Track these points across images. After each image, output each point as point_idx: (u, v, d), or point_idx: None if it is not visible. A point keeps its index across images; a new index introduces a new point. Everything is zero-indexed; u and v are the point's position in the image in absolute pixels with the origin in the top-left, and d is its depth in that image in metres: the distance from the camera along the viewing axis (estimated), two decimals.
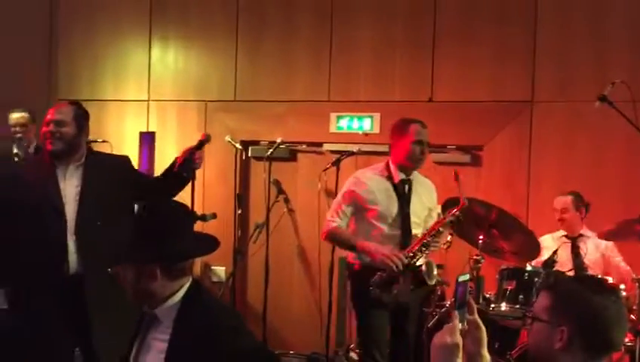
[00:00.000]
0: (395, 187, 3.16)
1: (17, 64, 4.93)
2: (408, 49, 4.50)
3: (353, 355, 4.25)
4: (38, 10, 5.10)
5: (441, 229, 3.12)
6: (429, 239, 3.08)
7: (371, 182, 3.17)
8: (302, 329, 4.63)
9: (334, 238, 3.25)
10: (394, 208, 3.13)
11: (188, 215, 2.01)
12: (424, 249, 3.08)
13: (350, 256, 3.25)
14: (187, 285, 1.89)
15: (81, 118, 3.00)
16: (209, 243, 1.96)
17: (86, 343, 2.95)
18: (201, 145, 3.06)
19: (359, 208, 3.15)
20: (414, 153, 3.15)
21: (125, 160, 3.18)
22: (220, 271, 4.74)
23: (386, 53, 4.55)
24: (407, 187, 3.19)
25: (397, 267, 2.97)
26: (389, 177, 3.17)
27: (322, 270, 4.48)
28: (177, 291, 1.87)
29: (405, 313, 3.21)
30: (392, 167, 3.20)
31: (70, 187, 2.90)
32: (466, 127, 4.34)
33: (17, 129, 4.06)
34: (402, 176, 3.18)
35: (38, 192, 2.87)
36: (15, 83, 4.84)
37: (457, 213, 3.10)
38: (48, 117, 2.93)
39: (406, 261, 3.00)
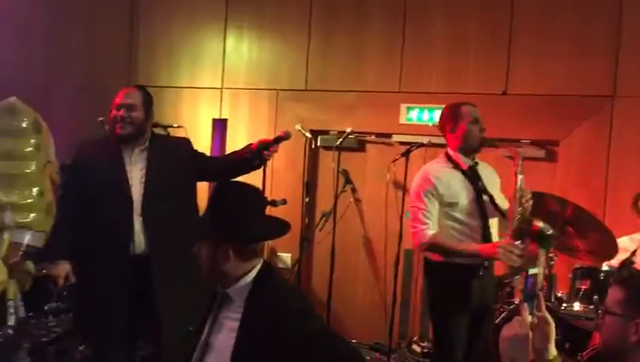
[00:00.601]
0: (465, 174, 3.03)
1: (99, 49, 5.16)
2: (483, 43, 4.40)
3: (416, 347, 4.23)
4: None
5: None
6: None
7: (444, 175, 3.02)
8: (365, 319, 4.65)
9: (436, 249, 2.98)
10: (471, 197, 2.99)
11: (261, 198, 2.06)
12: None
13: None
14: (258, 266, 1.95)
15: (148, 102, 3.05)
16: (280, 227, 2.00)
17: (151, 321, 2.99)
18: (279, 140, 3.06)
19: (442, 204, 2.98)
20: (474, 133, 3.03)
21: (186, 142, 3.22)
22: (286, 257, 4.81)
23: (459, 48, 4.48)
24: (476, 172, 3.06)
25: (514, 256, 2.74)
26: (456, 166, 3.04)
27: (388, 261, 4.48)
28: (249, 272, 1.92)
29: (485, 313, 3.08)
30: (453, 155, 3.08)
31: (136, 170, 2.97)
32: (542, 121, 4.21)
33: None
34: (468, 162, 3.06)
35: (106, 175, 2.94)
36: (96, 68, 5.07)
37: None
38: (118, 101, 2.96)
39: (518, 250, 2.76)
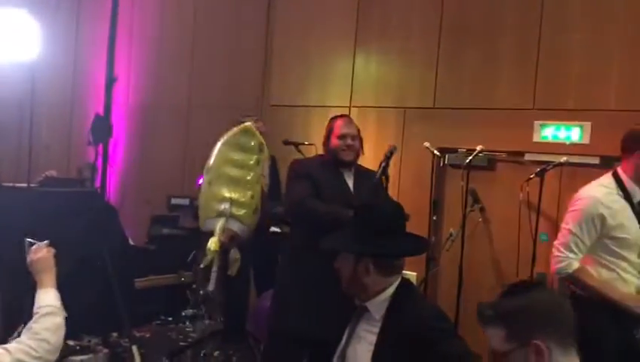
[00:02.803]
0: (633, 207, 2.75)
1: (236, 70, 5.48)
2: (627, 51, 4.13)
3: None
4: (256, 18, 5.61)
5: None
6: None
7: (616, 205, 2.76)
8: None
9: (578, 283, 2.78)
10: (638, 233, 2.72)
11: (402, 214, 2.07)
12: None
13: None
14: (397, 283, 1.96)
15: (360, 133, 3.48)
16: (420, 244, 2.01)
17: None
18: (387, 158, 3.32)
19: (603, 235, 2.74)
20: None
21: (371, 171, 3.50)
22: (412, 276, 4.77)
23: (599, 58, 4.24)
24: None
25: None
26: (626, 196, 2.75)
27: None
28: (388, 287, 1.94)
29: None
30: (627, 182, 2.78)
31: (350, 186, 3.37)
32: None
33: None
34: (638, 195, 2.77)
35: (333, 191, 3.30)
36: (233, 88, 5.38)
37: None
38: (345, 131, 3.38)
39: None
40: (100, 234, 4.07)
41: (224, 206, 3.56)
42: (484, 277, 4.61)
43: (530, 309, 1.45)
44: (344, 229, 2.02)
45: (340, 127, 3.36)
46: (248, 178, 3.65)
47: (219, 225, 3.53)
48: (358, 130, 3.45)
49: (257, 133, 3.71)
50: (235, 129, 3.73)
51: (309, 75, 5.40)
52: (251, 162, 3.68)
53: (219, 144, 3.73)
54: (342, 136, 3.33)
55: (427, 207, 4.61)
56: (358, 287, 1.95)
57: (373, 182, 3.17)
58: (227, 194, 3.59)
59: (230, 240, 3.57)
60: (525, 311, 1.45)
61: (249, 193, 3.64)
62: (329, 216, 3.05)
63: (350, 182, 3.37)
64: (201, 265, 3.75)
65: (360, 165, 3.53)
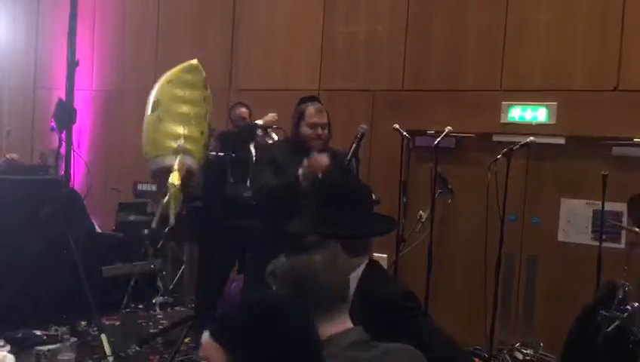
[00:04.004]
0: None
1: (201, 53, 5.39)
2: (591, 31, 4.18)
3: (518, 354, 4.09)
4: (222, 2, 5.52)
5: None
6: None
7: None
8: (464, 324, 4.52)
9: None
10: None
11: (369, 195, 2.06)
12: None
13: None
14: (365, 263, 1.95)
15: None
16: (388, 224, 2.00)
17: None
18: (360, 138, 3.26)
19: None
20: None
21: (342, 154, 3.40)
22: (382, 258, 4.79)
23: (564, 38, 4.28)
24: None
25: None
26: None
27: (488, 265, 4.34)
28: (356, 268, 1.93)
29: None
30: None
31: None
32: None
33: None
34: None
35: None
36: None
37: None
38: (315, 120, 3.24)
39: None
40: (65, 221, 4.00)
41: (179, 143, 3.69)
42: (453, 258, 4.65)
43: (283, 275, 1.54)
44: (309, 211, 2.00)
45: (311, 115, 3.26)
46: (198, 114, 3.79)
47: (177, 160, 3.67)
48: (328, 115, 3.37)
49: (202, 70, 3.86)
50: (179, 66, 3.84)
51: (276, 59, 5.35)
52: (199, 98, 3.81)
53: (162, 80, 3.85)
54: (313, 125, 3.24)
55: (397, 189, 4.62)
56: None
57: (343, 164, 3.14)
58: (180, 131, 3.72)
59: (187, 175, 3.73)
60: (280, 275, 1.55)
61: (199, 129, 3.80)
62: (284, 186, 3.06)
63: None
64: (158, 211, 3.88)
65: (331, 148, 3.49)
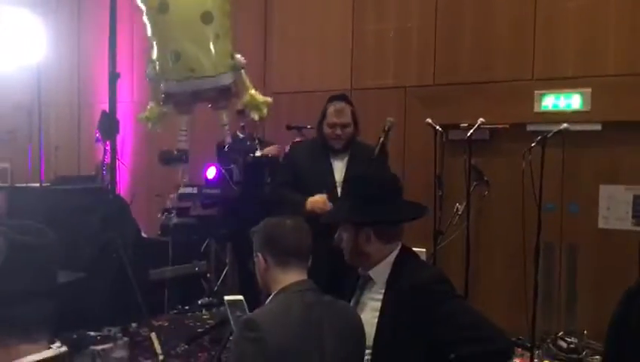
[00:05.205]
0: None
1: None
2: (624, 16, 4.15)
3: (562, 343, 4.07)
4: (254, 5, 5.64)
5: None
6: None
7: None
8: (505, 315, 4.52)
9: None
10: None
11: (398, 183, 2.13)
12: None
13: None
14: (398, 249, 2.02)
15: (356, 114, 3.42)
16: (418, 210, 2.07)
17: None
18: (387, 132, 3.34)
19: None
20: None
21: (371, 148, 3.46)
22: (421, 252, 4.82)
23: (596, 24, 4.25)
24: None
25: None
26: None
27: (527, 255, 4.34)
28: (389, 254, 2.00)
29: None
30: None
31: (338, 172, 3.36)
32: None
33: None
34: None
35: (316, 177, 3.31)
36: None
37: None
38: (334, 120, 3.32)
39: None
40: (114, 227, 4.17)
41: (236, 58, 3.53)
42: (492, 250, 4.66)
43: (260, 231, 1.94)
44: (340, 202, 2.08)
45: (330, 115, 3.34)
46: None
47: (245, 77, 3.53)
48: (353, 113, 3.41)
49: None
50: None
51: (308, 61, 5.45)
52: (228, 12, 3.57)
53: None
54: (332, 125, 3.32)
55: (432, 183, 4.65)
56: (362, 257, 2.01)
57: (372, 158, 3.20)
58: (230, 47, 3.56)
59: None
60: (258, 232, 1.94)
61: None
62: (288, 203, 3.25)
63: (339, 167, 3.36)
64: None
65: (360, 143, 3.54)
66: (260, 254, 1.92)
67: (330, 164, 3.35)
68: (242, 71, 3.54)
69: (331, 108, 3.35)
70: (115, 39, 4.11)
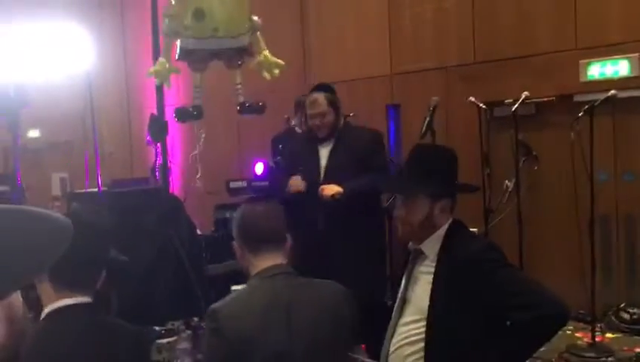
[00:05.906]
0: None
1: (275, 55, 5.61)
2: None
3: (624, 315, 3.99)
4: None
5: None
6: None
7: None
8: (563, 290, 4.44)
9: None
10: None
11: (455, 158, 2.16)
12: None
13: None
14: (448, 222, 2.05)
15: (336, 101, 3.55)
16: (470, 186, 2.11)
17: None
18: (432, 111, 3.51)
19: None
20: None
21: (373, 136, 3.67)
22: (473, 232, 4.79)
23: None
24: None
25: None
26: None
27: (582, 228, 4.25)
28: (441, 226, 2.03)
29: None
30: None
31: (323, 159, 3.59)
32: None
33: None
34: None
35: (305, 165, 3.57)
36: None
37: None
38: (310, 111, 3.57)
39: None
40: (171, 225, 4.31)
41: (254, 20, 3.43)
42: (545, 225, 4.60)
43: (234, 219, 1.96)
44: (397, 175, 2.14)
45: (307, 107, 3.61)
46: None
47: (260, 39, 3.46)
48: (331, 101, 3.56)
49: None
50: None
51: (347, 49, 5.48)
52: None
53: None
54: (311, 116, 3.58)
55: (479, 162, 4.62)
56: (430, 229, 2.04)
57: (420, 139, 3.28)
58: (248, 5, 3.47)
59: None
60: (233, 220, 1.97)
61: None
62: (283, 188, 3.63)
63: (324, 154, 3.60)
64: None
65: (349, 128, 3.71)
66: (235, 242, 1.94)
67: (317, 152, 3.61)
68: (258, 33, 3.53)
69: (307, 101, 3.61)
70: (158, 45, 4.22)
